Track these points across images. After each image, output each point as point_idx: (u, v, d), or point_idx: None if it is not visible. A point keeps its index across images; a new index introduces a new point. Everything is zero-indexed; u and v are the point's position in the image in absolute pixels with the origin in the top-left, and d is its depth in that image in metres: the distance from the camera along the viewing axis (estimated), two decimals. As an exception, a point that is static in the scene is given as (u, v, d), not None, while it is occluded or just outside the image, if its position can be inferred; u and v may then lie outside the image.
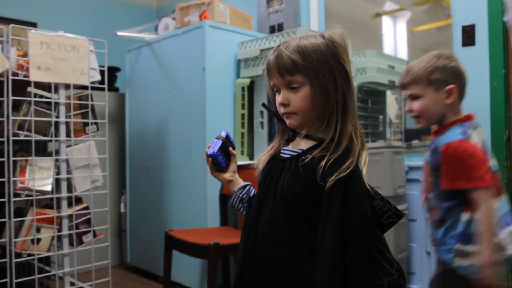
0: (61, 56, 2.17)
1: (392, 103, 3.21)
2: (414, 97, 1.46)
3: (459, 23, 2.29)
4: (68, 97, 2.22)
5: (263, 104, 1.19)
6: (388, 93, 3.09)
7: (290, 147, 1.06)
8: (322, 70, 0.97)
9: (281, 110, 1.02)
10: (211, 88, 2.46)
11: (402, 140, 2.79)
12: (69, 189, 2.19)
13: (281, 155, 1.06)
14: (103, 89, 2.34)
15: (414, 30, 3.25)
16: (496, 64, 2.15)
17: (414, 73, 1.44)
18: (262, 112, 2.49)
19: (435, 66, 1.42)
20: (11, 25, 2.07)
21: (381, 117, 2.97)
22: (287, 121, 1.03)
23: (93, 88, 2.30)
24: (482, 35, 2.20)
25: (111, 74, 3.23)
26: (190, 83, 2.57)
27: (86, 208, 2.26)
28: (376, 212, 0.98)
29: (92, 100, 2.28)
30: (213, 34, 2.48)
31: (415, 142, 2.63)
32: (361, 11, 3.46)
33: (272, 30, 2.91)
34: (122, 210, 3.21)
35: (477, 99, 2.21)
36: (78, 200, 2.26)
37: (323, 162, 0.94)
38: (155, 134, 2.83)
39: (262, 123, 2.49)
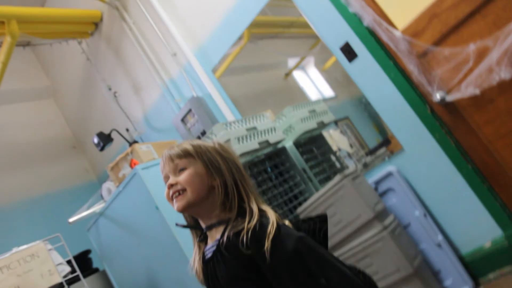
0: (24, 270, 2.20)
1: (339, 138, 3.33)
2: None
3: (336, 47, 2.51)
4: (49, 303, 2.22)
5: (176, 224, 1.24)
6: (331, 131, 3.22)
7: (209, 245, 1.12)
8: (214, 156, 1.11)
9: (169, 192, 1.11)
10: (171, 220, 2.52)
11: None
12: None
13: (207, 257, 1.11)
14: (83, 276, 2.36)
15: (324, 68, 3.45)
16: (382, 60, 2.33)
17: None
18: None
19: None
20: (-34, 269, 2.12)
21: (332, 156, 3.07)
22: (176, 204, 1.10)
23: (70, 281, 2.32)
24: (358, 45, 2.41)
25: (85, 258, 3.24)
26: (153, 227, 2.62)
27: None
28: (309, 233, 1.03)
29: (72, 292, 2.29)
30: (148, 174, 2.59)
31: (368, 158, 2.72)
32: (271, 80, 3.68)
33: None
34: None
35: (388, 95, 2.37)
36: None
37: (243, 234, 1.00)
38: (150, 288, 2.81)
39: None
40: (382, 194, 2.46)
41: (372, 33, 2.34)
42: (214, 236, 1.10)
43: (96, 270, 3.36)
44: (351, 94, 3.55)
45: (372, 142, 3.05)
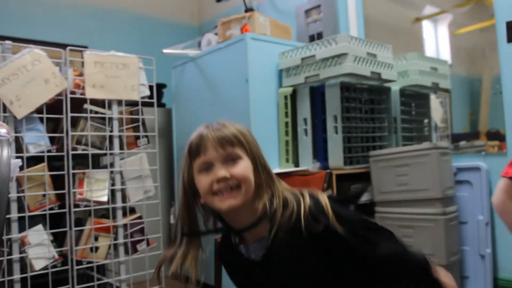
0: (113, 74, 2.30)
1: (436, 107, 3.16)
2: None
3: (503, 19, 2.26)
4: (121, 112, 2.34)
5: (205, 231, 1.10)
6: (432, 96, 3.05)
7: (252, 245, 1.00)
8: (258, 150, 1.01)
9: (217, 186, 0.93)
10: (254, 98, 2.52)
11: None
12: (124, 199, 2.30)
13: (253, 257, 1.00)
14: (152, 104, 2.46)
15: (456, 32, 3.20)
16: (545, 59, 2.10)
17: None
18: (305, 120, 2.53)
19: None
20: (68, 47, 2.22)
21: (426, 120, 2.94)
22: (228, 202, 0.93)
23: (143, 104, 2.42)
24: (527, 30, 2.17)
25: (158, 90, 3.36)
26: (234, 94, 2.65)
27: (140, 217, 2.35)
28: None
29: (142, 115, 2.39)
30: (255, 46, 2.55)
31: (462, 143, 2.59)
32: (400, 17, 3.44)
33: (312, 39, 2.96)
34: (172, 221, 3.31)
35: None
36: (132, 210, 2.37)
37: (303, 223, 0.92)
38: (202, 146, 2.92)
39: (306, 130, 2.52)
40: (458, 182, 2.36)
41: (550, 25, 2.08)
42: (257, 234, 0.98)
43: (164, 105, 3.50)
44: (469, 72, 3.28)
45: (457, 127, 2.89)
